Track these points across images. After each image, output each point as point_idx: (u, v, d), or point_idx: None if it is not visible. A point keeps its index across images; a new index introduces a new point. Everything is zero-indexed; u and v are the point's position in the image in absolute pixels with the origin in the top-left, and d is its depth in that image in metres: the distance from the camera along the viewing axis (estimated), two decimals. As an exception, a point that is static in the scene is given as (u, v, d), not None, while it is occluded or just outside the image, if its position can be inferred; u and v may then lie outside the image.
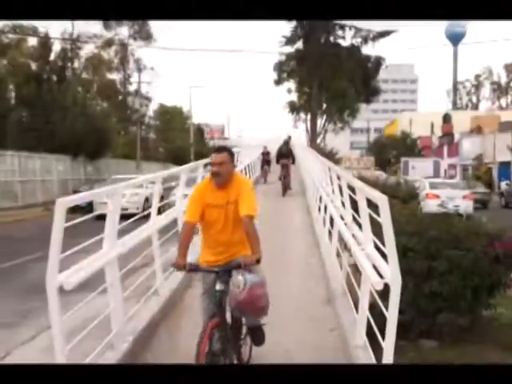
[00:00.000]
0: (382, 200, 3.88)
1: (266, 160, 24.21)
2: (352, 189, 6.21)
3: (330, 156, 34.49)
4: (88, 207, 16.09)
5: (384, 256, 4.23)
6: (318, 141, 46.60)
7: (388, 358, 3.80)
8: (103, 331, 4.90)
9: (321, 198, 11.90)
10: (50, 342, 4.85)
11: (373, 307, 4.79)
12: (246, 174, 20.22)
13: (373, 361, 4.31)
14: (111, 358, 4.67)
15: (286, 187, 19.26)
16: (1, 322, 6.89)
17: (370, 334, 4.68)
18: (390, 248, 3.77)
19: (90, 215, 4.70)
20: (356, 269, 6.22)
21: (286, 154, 20.21)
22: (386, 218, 3.82)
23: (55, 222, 3.73)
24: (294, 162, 20.89)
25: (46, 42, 42.85)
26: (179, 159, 50.72)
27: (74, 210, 4.15)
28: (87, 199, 4.58)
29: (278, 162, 20.31)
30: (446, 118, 60.94)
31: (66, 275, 3.96)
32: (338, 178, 8.02)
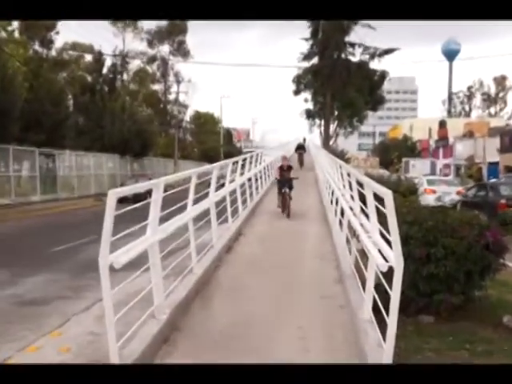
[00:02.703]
0: (387, 194, 3.82)
1: (286, 179, 13.02)
2: (360, 184, 6.14)
3: (341, 156, 34.21)
4: (134, 198, 16.17)
5: (388, 243, 4.18)
6: (331, 143, 46.29)
7: (391, 330, 3.75)
8: (146, 304, 4.92)
9: (333, 193, 11.84)
10: (101, 312, 4.92)
11: (376, 287, 4.74)
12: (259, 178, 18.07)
13: (377, 333, 4.26)
14: (153, 326, 4.69)
15: (301, 164, 28.41)
16: (60, 296, 6.99)
17: (374, 310, 4.65)
18: (394, 235, 3.72)
19: (138, 204, 4.71)
20: (363, 254, 6.16)
21: (301, 147, 30.86)
22: (390, 210, 3.75)
23: (107, 210, 3.73)
24: (305, 151, 30.91)
25: (99, 58, 43.26)
26: (211, 158, 50.89)
27: (121, 201, 4.15)
28: (135, 191, 4.58)
29: (296, 151, 30.03)
30: (442, 124, 60.05)
31: (116, 255, 3.97)
32: (348, 174, 7.94)
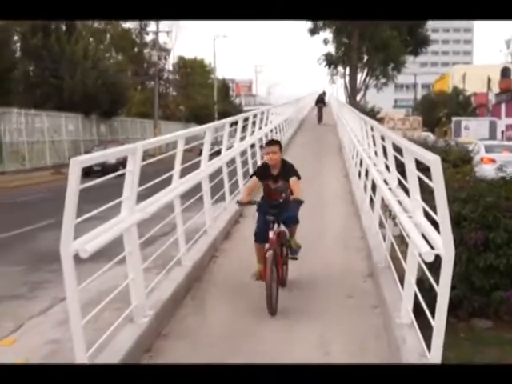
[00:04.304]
0: (434, 161, 3.83)
1: (276, 206, 6.07)
2: (398, 150, 6.15)
3: (371, 115, 34.12)
4: (102, 171, 16.29)
5: (434, 225, 4.20)
6: (358, 98, 46.11)
7: (438, 337, 3.80)
8: (122, 304, 5.00)
9: (361, 162, 11.87)
10: (64, 315, 5.00)
11: (418, 283, 4.80)
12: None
13: (420, 341, 4.32)
14: (131, 333, 4.77)
15: (320, 119, 34.38)
16: (11, 295, 7.08)
17: (415, 312, 4.72)
18: (443, 215, 3.73)
19: (108, 177, 4.73)
20: (402, 241, 6.20)
21: (321, 100, 36.12)
22: (438, 182, 3.77)
23: (70, 183, 3.74)
24: (325, 105, 37.01)
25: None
26: (202, 119, 50.79)
27: (87, 174, 4.14)
28: (105, 158, 4.58)
29: (316, 104, 36.11)
30: (506, 72, 59.48)
31: (82, 242, 4.00)
32: (383, 138, 7.95)
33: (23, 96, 33.11)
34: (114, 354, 4.37)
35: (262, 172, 6.40)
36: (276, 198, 6.16)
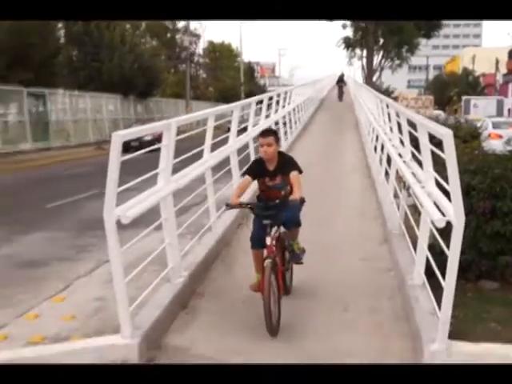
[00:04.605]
0: (446, 135, 3.78)
1: (273, 206, 4.78)
2: (412, 126, 6.09)
3: (386, 94, 33.68)
4: (140, 146, 16.34)
5: (446, 195, 4.17)
6: (374, 79, 45.57)
7: (448, 296, 3.79)
8: (159, 267, 5.07)
9: (377, 138, 11.78)
10: (107, 276, 5.09)
11: (429, 249, 4.78)
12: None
13: (431, 300, 4.32)
14: (168, 291, 4.85)
15: (340, 96, 36.40)
16: (59, 257, 7.20)
17: (426, 274, 4.72)
18: (454, 184, 3.69)
19: (145, 150, 4.76)
20: (415, 210, 6.17)
21: (341, 80, 38.08)
22: (450, 154, 3.72)
23: (112, 155, 3.77)
24: (345, 84, 38.90)
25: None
26: (229, 99, 50.60)
27: (126, 150, 4.16)
28: (142, 134, 4.62)
29: (337, 84, 38.29)
30: (513, 54, 58.26)
31: (124, 209, 4.04)
32: (398, 114, 7.86)
33: (68, 78, 33.25)
34: (153, 310, 4.46)
35: (256, 169, 5.03)
36: (275, 196, 4.86)
